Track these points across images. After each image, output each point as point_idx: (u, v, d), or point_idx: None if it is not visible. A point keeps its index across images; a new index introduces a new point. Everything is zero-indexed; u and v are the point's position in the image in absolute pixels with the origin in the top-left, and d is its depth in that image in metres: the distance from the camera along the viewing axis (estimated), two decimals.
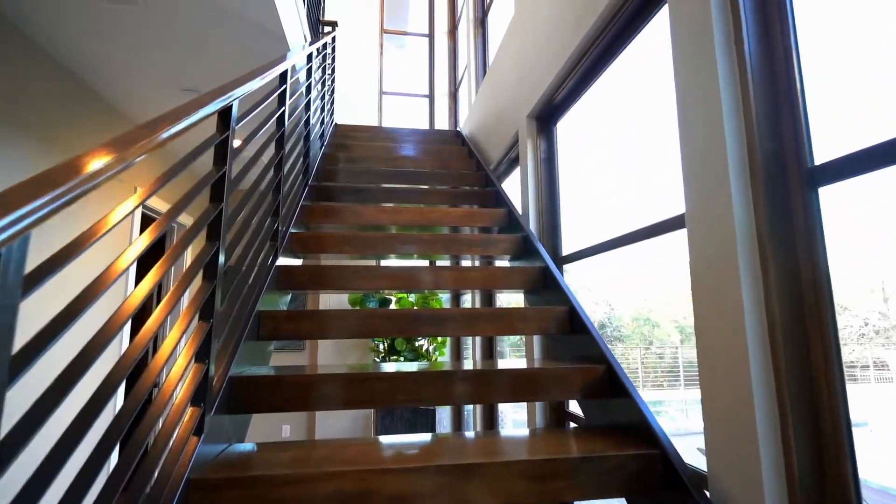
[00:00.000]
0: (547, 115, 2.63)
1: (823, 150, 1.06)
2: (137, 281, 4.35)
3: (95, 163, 0.67)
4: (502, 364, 1.63)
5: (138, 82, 3.02)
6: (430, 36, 6.54)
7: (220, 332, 1.27)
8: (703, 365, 1.20)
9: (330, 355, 5.03)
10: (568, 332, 1.79)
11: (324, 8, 5.18)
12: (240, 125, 1.39)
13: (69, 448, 0.70)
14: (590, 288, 2.65)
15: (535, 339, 2.37)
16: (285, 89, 2.05)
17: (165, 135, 0.93)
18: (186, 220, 4.40)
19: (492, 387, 1.41)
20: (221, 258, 1.23)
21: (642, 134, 1.91)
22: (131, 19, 2.52)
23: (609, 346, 1.57)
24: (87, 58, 2.75)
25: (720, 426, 1.14)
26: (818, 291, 1.02)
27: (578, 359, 1.71)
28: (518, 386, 1.42)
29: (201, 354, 1.16)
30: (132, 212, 0.79)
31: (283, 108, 2.03)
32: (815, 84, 1.09)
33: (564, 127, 2.57)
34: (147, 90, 3.13)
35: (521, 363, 1.64)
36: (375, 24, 6.35)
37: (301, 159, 2.64)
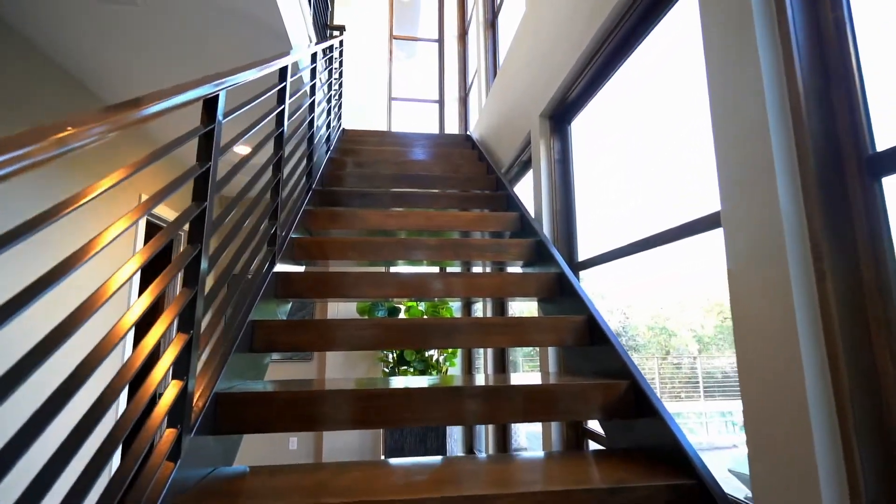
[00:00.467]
0: (561, 114, 2.51)
1: (886, 135, 0.92)
2: (141, 292, 4.29)
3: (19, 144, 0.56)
4: (515, 379, 1.49)
5: (139, 84, 2.96)
6: (440, 41, 6.47)
7: (204, 345, 1.16)
8: (747, 379, 1.05)
9: (338, 365, 4.91)
10: (586, 343, 1.64)
11: (332, 13, 5.13)
12: (228, 119, 1.29)
13: None
14: (603, 295, 2.51)
15: (550, 350, 2.22)
16: (285, 87, 1.95)
17: (129, 119, 0.82)
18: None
19: (504, 405, 1.28)
20: (204, 263, 1.11)
21: (666, 129, 1.77)
22: (132, 20, 2.46)
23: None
24: (87, 60, 2.69)
25: (768, 450, 0.99)
26: (885, 294, 0.87)
27: (599, 373, 1.56)
28: (532, 404, 1.28)
29: (179, 369, 1.05)
30: (73, 209, 0.67)
31: (282, 107, 1.93)
32: (874, 58, 0.95)
33: (580, 126, 2.44)
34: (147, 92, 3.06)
35: (535, 377, 1.50)
36: (385, 31, 6.30)
37: (304, 162, 2.54)
